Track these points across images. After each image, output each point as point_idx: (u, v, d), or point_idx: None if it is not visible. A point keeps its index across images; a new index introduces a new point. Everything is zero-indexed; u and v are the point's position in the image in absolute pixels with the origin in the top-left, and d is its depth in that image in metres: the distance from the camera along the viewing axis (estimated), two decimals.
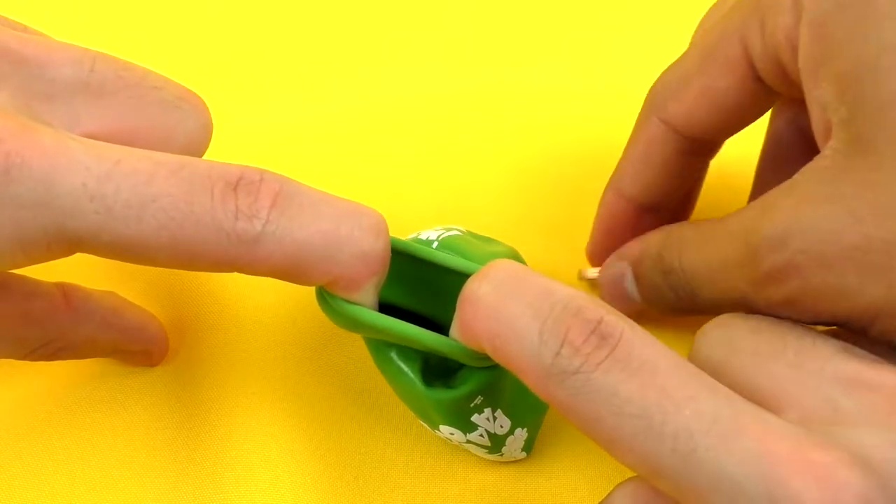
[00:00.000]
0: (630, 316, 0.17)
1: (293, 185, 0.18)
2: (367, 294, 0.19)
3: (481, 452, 0.23)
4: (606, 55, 0.36)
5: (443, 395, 0.20)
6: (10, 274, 0.22)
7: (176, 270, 0.28)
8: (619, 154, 0.26)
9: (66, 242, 0.17)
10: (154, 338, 0.25)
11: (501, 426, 0.22)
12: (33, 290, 0.22)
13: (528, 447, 0.23)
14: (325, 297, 0.19)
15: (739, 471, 0.15)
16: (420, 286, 0.21)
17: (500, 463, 0.24)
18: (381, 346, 0.21)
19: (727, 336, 0.19)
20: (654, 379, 0.16)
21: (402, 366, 0.21)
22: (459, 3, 0.38)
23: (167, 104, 0.21)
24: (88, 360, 0.26)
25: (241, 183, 0.18)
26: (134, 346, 0.25)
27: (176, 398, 0.26)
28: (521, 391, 0.21)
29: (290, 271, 0.18)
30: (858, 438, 0.15)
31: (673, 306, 0.23)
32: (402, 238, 0.21)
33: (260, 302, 0.28)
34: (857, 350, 0.18)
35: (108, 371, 0.26)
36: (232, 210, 0.17)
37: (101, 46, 0.21)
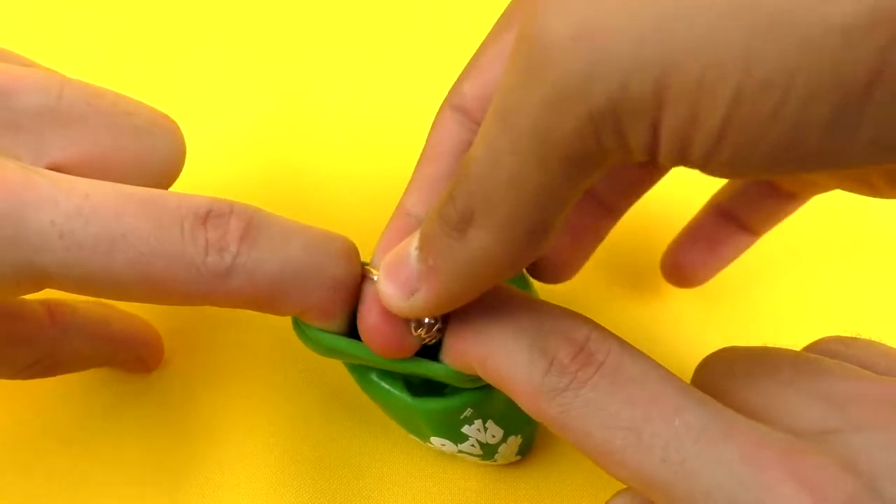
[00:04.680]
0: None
1: (262, 215, 0.18)
2: (341, 321, 0.19)
3: (474, 459, 0.23)
4: None
5: (432, 404, 0.21)
6: None
7: None
8: None
9: (36, 279, 0.17)
10: (147, 345, 0.25)
11: (493, 436, 0.22)
12: (18, 310, 0.22)
13: (524, 451, 0.24)
14: (301, 326, 0.20)
15: (729, 478, 0.15)
16: None
17: (500, 468, 0.25)
18: (361, 369, 0.21)
19: (726, 364, 0.19)
20: (643, 392, 0.16)
21: (384, 385, 0.21)
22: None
23: (139, 130, 0.21)
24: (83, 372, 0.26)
25: (211, 216, 0.18)
26: (126, 355, 0.25)
27: (172, 405, 0.26)
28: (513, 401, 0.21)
29: (262, 303, 0.18)
30: (845, 444, 0.16)
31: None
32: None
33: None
34: (849, 366, 0.18)
35: (102, 381, 0.26)
36: (202, 244, 0.17)
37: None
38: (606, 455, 0.16)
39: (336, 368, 0.26)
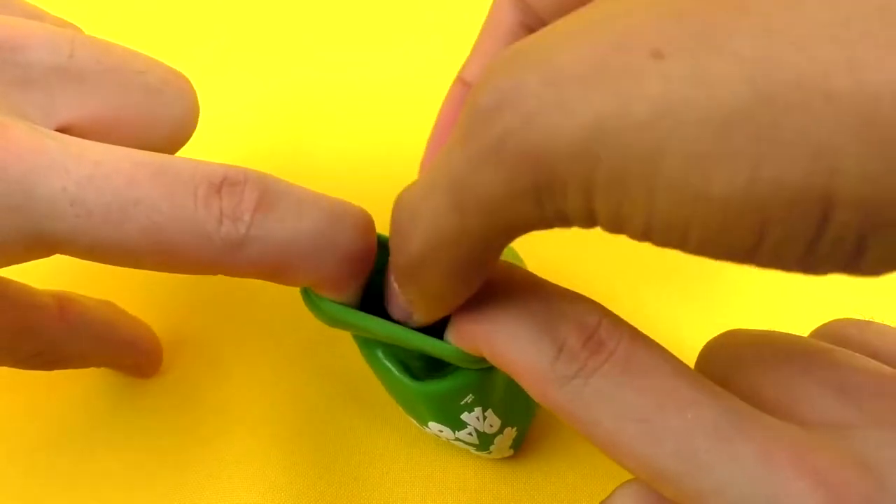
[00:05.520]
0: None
1: (277, 184, 0.18)
2: (352, 293, 0.19)
3: (469, 449, 0.23)
4: None
5: (432, 387, 0.20)
6: (7, 282, 0.22)
7: (176, 279, 0.28)
8: None
9: (45, 245, 0.17)
10: (147, 352, 0.25)
11: (491, 425, 0.22)
12: (29, 300, 0.22)
13: (517, 444, 0.24)
14: (311, 296, 0.19)
15: (742, 475, 0.15)
16: None
17: (499, 460, 0.24)
18: (368, 342, 0.21)
19: (732, 350, 0.19)
20: (655, 382, 0.16)
21: (388, 364, 0.21)
22: None
23: (151, 89, 0.20)
24: (86, 370, 0.26)
25: (225, 184, 0.17)
26: (126, 360, 0.25)
27: (173, 405, 0.26)
28: (514, 391, 0.21)
29: (274, 273, 0.18)
30: (861, 440, 0.16)
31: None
32: None
33: (256, 304, 0.28)
34: (861, 357, 0.18)
35: (102, 381, 0.27)
36: (216, 213, 0.17)
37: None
38: (615, 445, 0.16)
39: (336, 369, 0.27)
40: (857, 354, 0.18)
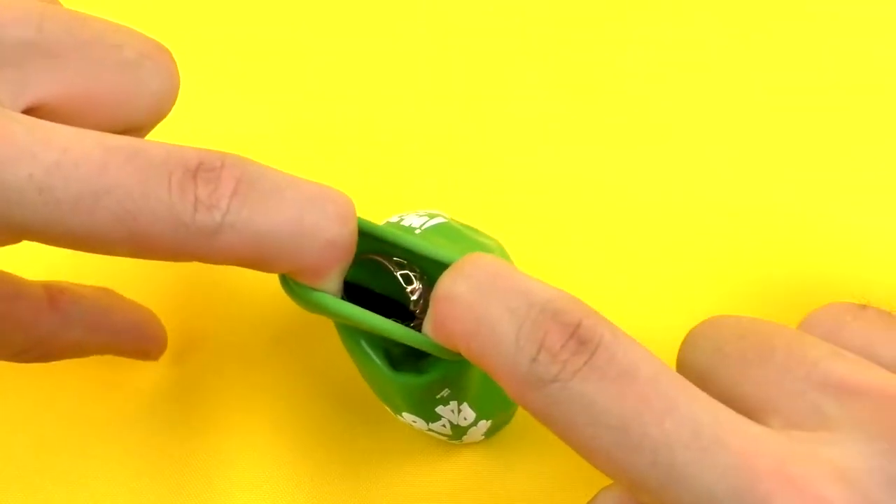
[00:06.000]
0: None
1: (255, 168, 0.17)
2: (332, 281, 0.19)
3: (442, 438, 0.23)
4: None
5: (410, 380, 0.20)
6: None
7: (174, 274, 0.28)
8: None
9: (13, 233, 0.16)
10: (150, 337, 0.25)
11: (465, 418, 0.22)
12: (16, 291, 0.22)
13: (491, 433, 0.24)
14: (290, 283, 0.19)
15: (721, 486, 0.15)
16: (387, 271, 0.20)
17: (502, 459, 0.24)
18: (349, 332, 0.21)
19: (714, 341, 0.18)
20: (633, 388, 0.15)
21: (369, 352, 0.20)
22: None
23: (128, 63, 0.19)
24: (82, 367, 0.26)
25: (201, 169, 0.17)
26: (127, 346, 0.24)
27: (173, 404, 0.26)
28: (491, 385, 0.21)
29: (252, 262, 0.18)
30: (842, 447, 0.15)
31: None
32: (381, 219, 0.20)
33: (256, 301, 0.27)
34: (847, 354, 0.17)
35: (102, 378, 0.26)
36: (191, 201, 0.16)
37: None
38: (593, 451, 0.16)
39: (339, 368, 0.26)
40: (844, 351, 0.17)
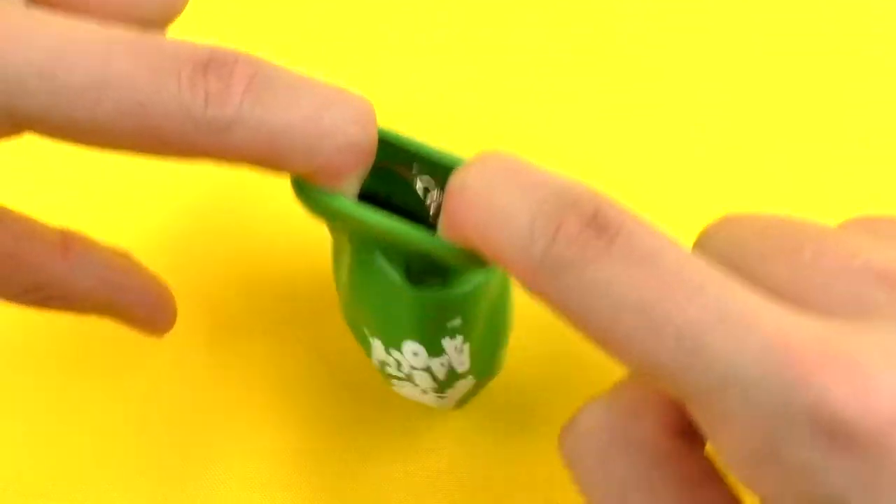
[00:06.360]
0: None
1: (270, 67, 0.17)
2: (349, 185, 0.18)
3: (427, 386, 0.22)
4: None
5: (428, 294, 0.19)
6: (5, 211, 0.20)
7: (176, 257, 0.28)
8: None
9: (14, 122, 0.16)
10: (159, 306, 0.23)
11: (462, 363, 0.21)
12: (28, 230, 0.21)
13: (462, 403, 0.23)
14: (302, 185, 0.18)
15: (754, 367, 0.13)
16: (404, 183, 0.19)
17: (504, 459, 0.24)
18: (367, 245, 0.19)
19: (733, 233, 0.17)
20: (656, 271, 0.14)
21: (386, 267, 0.19)
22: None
23: None
24: (79, 354, 0.26)
25: (212, 65, 0.16)
26: (135, 310, 0.23)
27: (173, 402, 0.26)
28: (489, 338, 0.21)
29: (265, 160, 0.17)
30: (889, 333, 0.14)
31: None
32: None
33: (255, 300, 0.27)
34: (888, 242, 0.16)
35: (102, 373, 0.26)
36: (201, 96, 0.16)
37: None
38: (612, 338, 0.14)
39: (338, 370, 0.26)
40: (884, 239, 0.16)
